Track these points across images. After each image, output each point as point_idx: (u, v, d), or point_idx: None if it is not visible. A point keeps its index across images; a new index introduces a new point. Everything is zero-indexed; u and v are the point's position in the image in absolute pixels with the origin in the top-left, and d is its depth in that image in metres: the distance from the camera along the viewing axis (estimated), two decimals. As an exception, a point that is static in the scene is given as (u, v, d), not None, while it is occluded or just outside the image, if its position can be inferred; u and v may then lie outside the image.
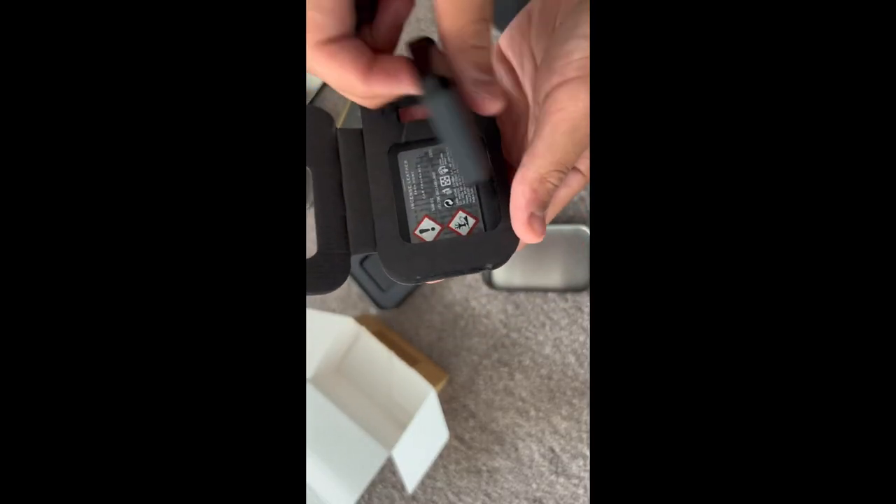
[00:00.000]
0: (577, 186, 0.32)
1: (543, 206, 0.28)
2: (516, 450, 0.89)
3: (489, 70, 0.27)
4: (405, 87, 0.27)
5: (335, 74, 0.26)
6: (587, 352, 0.87)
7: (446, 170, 0.30)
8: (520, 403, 0.89)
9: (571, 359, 0.87)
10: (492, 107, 0.27)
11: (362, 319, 0.86)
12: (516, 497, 0.89)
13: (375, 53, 0.27)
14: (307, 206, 0.95)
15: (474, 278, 0.90)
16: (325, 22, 0.25)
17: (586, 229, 0.86)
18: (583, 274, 0.86)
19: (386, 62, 0.27)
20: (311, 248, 1.02)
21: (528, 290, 0.88)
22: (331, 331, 0.81)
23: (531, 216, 0.28)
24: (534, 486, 0.88)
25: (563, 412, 0.87)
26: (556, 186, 0.28)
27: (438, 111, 0.25)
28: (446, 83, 0.25)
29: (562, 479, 0.87)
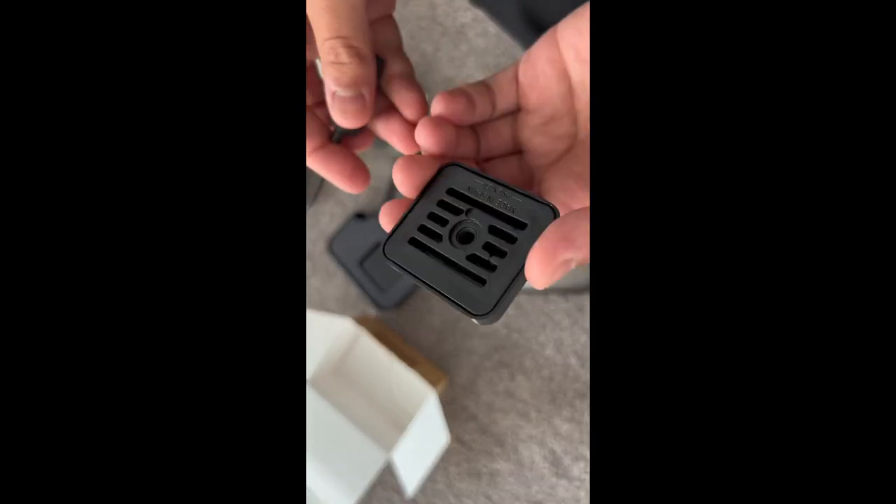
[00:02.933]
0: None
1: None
2: (517, 452, 0.88)
3: (348, 85, 0.28)
4: (340, 182, 0.31)
5: (328, 176, 0.31)
6: (588, 353, 0.86)
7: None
8: (521, 405, 0.88)
9: (573, 360, 0.87)
10: (345, 121, 0.29)
11: (362, 320, 0.86)
12: (517, 500, 0.88)
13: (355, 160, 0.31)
14: (307, 205, 0.95)
15: (475, 279, 0.90)
16: (311, 134, 0.29)
17: (587, 230, 0.86)
18: (583, 274, 0.86)
19: (329, 154, 0.31)
20: (311, 247, 1.02)
21: (528, 290, 0.87)
22: (330, 332, 0.81)
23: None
24: (535, 488, 0.88)
25: (565, 414, 0.87)
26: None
27: (469, 310, 0.24)
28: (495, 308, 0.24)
29: (563, 482, 0.87)
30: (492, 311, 0.24)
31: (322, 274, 0.96)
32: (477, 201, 0.27)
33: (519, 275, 0.24)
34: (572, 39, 0.29)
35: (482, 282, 0.25)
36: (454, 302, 0.25)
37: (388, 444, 0.79)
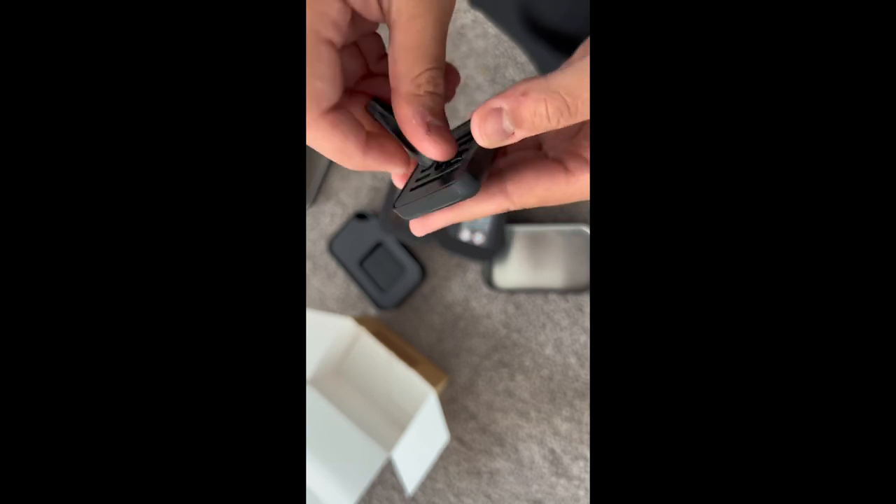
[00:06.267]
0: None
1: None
2: (517, 451, 0.89)
3: (441, 116, 0.28)
4: (398, 167, 0.30)
5: (337, 143, 0.27)
6: (588, 353, 0.86)
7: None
8: (520, 405, 0.89)
9: (572, 360, 0.87)
10: (439, 152, 0.28)
11: (362, 320, 0.86)
12: (517, 499, 0.88)
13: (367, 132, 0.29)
14: (307, 205, 0.95)
15: (475, 278, 0.90)
16: (326, 89, 0.26)
17: (586, 229, 0.86)
18: (583, 274, 0.86)
19: (382, 140, 0.29)
20: (312, 247, 1.02)
21: (528, 290, 0.87)
22: (330, 331, 0.81)
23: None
24: (534, 487, 0.88)
25: (564, 413, 0.87)
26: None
27: (453, 195, 0.27)
28: (477, 175, 0.27)
29: (563, 481, 0.87)
30: (462, 183, 0.26)
31: (322, 274, 0.96)
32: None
33: (476, 153, 0.27)
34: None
35: (451, 172, 0.28)
36: (442, 199, 0.28)
37: (388, 444, 0.79)
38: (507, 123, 0.25)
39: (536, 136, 0.31)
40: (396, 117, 0.28)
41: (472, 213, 0.30)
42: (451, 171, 0.28)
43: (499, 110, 0.25)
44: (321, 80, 0.26)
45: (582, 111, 0.24)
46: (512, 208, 0.29)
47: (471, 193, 0.27)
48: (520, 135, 0.26)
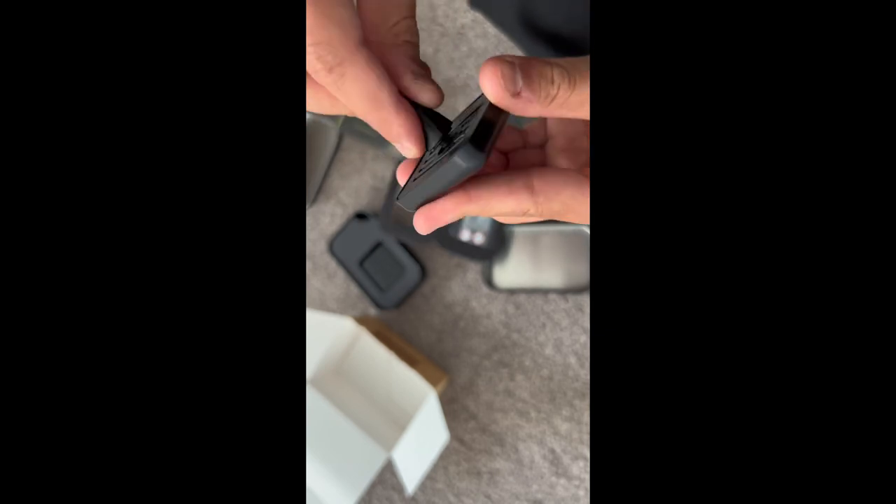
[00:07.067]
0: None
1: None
2: (517, 451, 0.89)
3: (423, 65, 0.27)
4: (417, 134, 0.27)
5: (372, 84, 0.25)
6: (588, 353, 0.86)
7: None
8: (520, 405, 0.89)
9: (572, 360, 0.87)
10: (432, 97, 0.27)
11: (362, 320, 0.86)
12: (517, 499, 0.88)
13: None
14: (307, 204, 0.95)
15: (475, 278, 0.90)
16: (353, 18, 0.24)
17: (586, 229, 0.86)
18: (583, 274, 0.86)
19: (404, 100, 0.27)
20: (312, 248, 1.02)
21: (528, 290, 0.87)
22: (330, 331, 0.81)
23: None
24: (534, 487, 0.88)
25: (564, 413, 0.87)
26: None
27: (456, 168, 0.25)
28: (482, 147, 0.25)
29: (563, 481, 0.87)
30: (465, 152, 0.24)
31: (322, 274, 0.96)
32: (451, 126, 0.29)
33: (478, 128, 0.25)
34: None
35: (453, 146, 0.26)
36: (445, 176, 0.25)
37: (388, 443, 0.79)
38: (517, 76, 0.24)
39: (543, 160, 0.31)
40: None
41: (489, 207, 0.27)
42: (454, 148, 0.26)
43: (511, 62, 0.24)
44: (343, 6, 0.24)
45: (580, 85, 0.24)
46: (532, 211, 0.26)
47: (474, 165, 0.24)
48: (525, 96, 0.24)
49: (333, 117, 0.93)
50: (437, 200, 0.27)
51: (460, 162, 0.24)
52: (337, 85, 0.25)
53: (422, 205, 0.27)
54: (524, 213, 0.27)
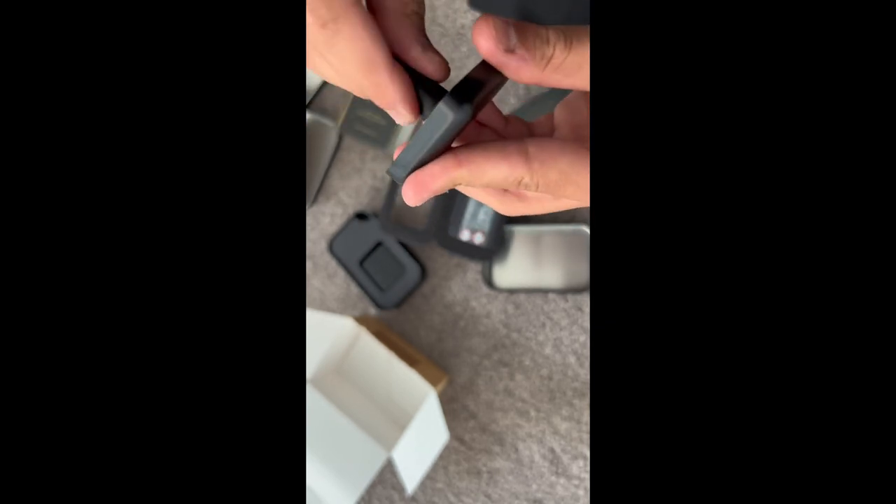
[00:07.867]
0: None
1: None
2: (516, 451, 0.89)
3: (427, 37, 0.27)
4: (411, 101, 0.25)
5: (367, 44, 0.23)
6: (588, 352, 0.86)
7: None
8: (520, 404, 0.89)
9: (572, 359, 0.87)
10: (439, 69, 0.26)
11: (362, 320, 0.86)
12: (517, 498, 0.88)
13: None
14: (307, 204, 0.95)
15: (475, 278, 0.90)
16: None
17: (586, 229, 0.86)
18: (583, 274, 0.86)
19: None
20: (312, 248, 1.02)
21: (528, 290, 0.87)
22: (330, 331, 0.81)
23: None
24: (534, 486, 0.88)
25: (564, 413, 0.87)
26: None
27: (447, 123, 0.24)
28: (471, 101, 0.24)
29: (562, 480, 0.87)
30: (449, 100, 0.23)
31: (323, 274, 0.96)
32: None
33: (466, 80, 0.25)
34: None
35: (439, 97, 0.25)
36: (431, 130, 0.24)
37: (388, 443, 0.79)
38: (510, 32, 0.23)
39: (549, 124, 0.31)
40: (387, 38, 0.25)
41: (481, 173, 0.25)
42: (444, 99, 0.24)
43: (506, 20, 0.23)
44: None
45: (577, 47, 0.24)
46: (527, 180, 0.25)
47: (461, 118, 0.23)
48: (519, 54, 0.24)
49: (333, 117, 0.93)
50: (426, 166, 0.25)
51: (445, 110, 0.23)
52: (329, 44, 0.23)
53: (410, 173, 0.26)
54: (519, 182, 0.25)
